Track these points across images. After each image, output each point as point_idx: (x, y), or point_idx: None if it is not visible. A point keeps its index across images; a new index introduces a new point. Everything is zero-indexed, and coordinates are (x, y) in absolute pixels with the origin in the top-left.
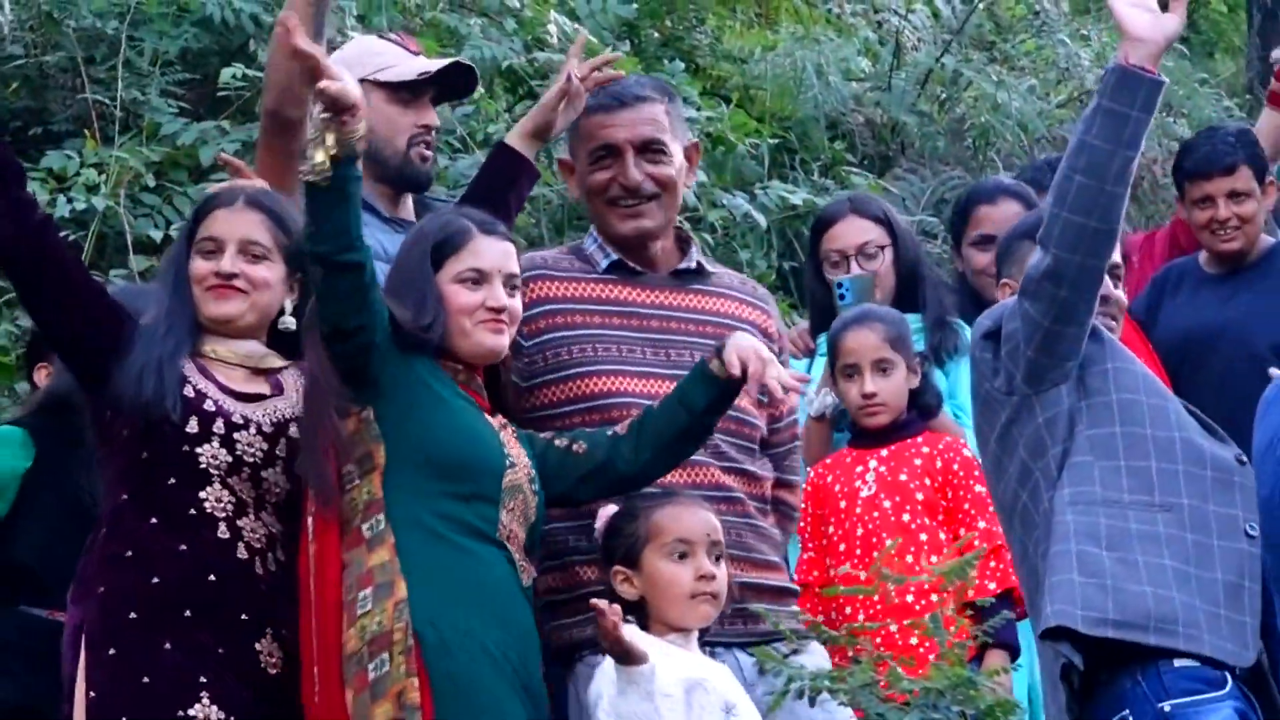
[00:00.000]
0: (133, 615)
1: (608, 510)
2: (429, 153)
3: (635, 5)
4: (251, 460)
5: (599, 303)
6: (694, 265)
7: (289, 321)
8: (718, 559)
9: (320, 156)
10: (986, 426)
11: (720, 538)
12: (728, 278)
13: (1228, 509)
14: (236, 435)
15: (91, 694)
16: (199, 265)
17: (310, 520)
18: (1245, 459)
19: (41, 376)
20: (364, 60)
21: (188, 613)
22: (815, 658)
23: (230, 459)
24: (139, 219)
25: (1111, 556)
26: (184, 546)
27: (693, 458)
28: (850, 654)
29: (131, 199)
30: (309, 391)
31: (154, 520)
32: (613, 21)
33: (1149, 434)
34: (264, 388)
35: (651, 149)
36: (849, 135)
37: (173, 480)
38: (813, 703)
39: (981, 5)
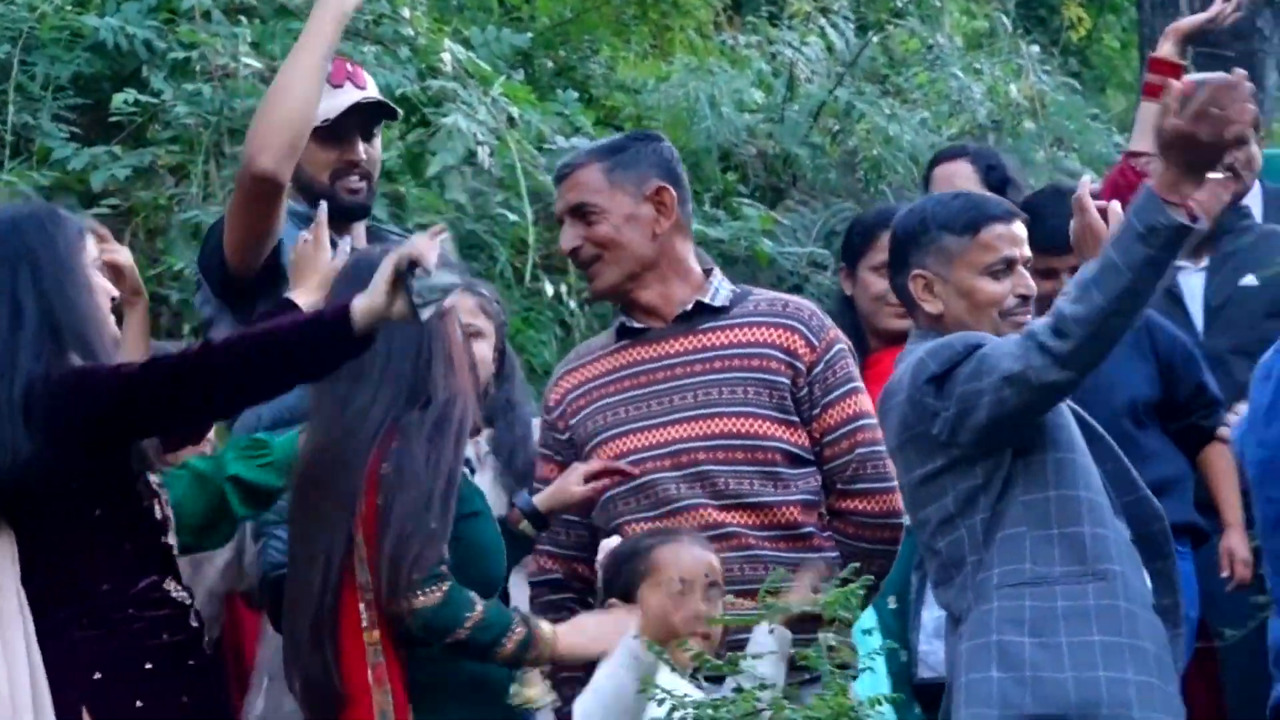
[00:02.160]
0: (139, 704)
1: (610, 543)
2: (357, 184)
3: (530, 35)
4: (170, 529)
5: (611, 374)
6: (690, 307)
7: None
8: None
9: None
10: (914, 460)
11: (719, 579)
12: (753, 304)
13: (1142, 584)
14: (168, 511)
15: None
16: (101, 280)
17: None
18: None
19: None
20: None
21: (185, 699)
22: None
23: (177, 543)
24: None
25: (1034, 643)
26: (166, 636)
27: (685, 501)
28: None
29: None
30: None
31: (131, 611)
32: (507, 51)
33: (1082, 496)
34: None
35: (583, 212)
36: (741, 166)
37: (154, 576)
38: None
39: (875, 39)
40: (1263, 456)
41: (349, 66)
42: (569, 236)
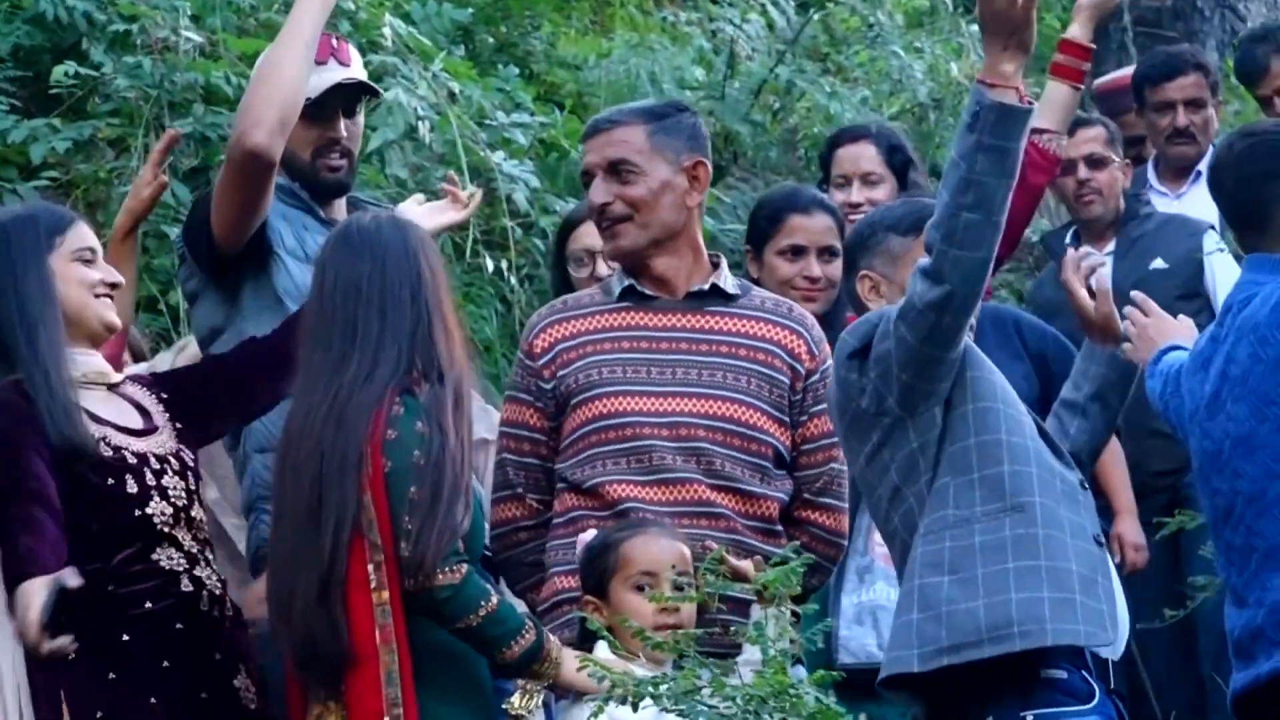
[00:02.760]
0: (112, 676)
1: (586, 536)
2: (338, 161)
3: (470, 10)
4: (181, 504)
5: (608, 331)
6: (707, 287)
7: None
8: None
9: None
10: (856, 444)
11: (689, 568)
12: (759, 299)
13: (1076, 517)
14: (165, 481)
15: None
16: (83, 272)
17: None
18: (1087, 485)
19: None
20: None
21: (166, 663)
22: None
23: (171, 510)
24: None
25: (951, 580)
26: (149, 604)
27: (677, 473)
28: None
29: None
30: None
31: (112, 587)
32: (447, 26)
33: (1004, 439)
34: (133, 415)
35: (619, 169)
36: None
37: (131, 549)
38: (635, 708)
39: (816, 16)
40: (1208, 448)
41: (334, 43)
42: (601, 191)
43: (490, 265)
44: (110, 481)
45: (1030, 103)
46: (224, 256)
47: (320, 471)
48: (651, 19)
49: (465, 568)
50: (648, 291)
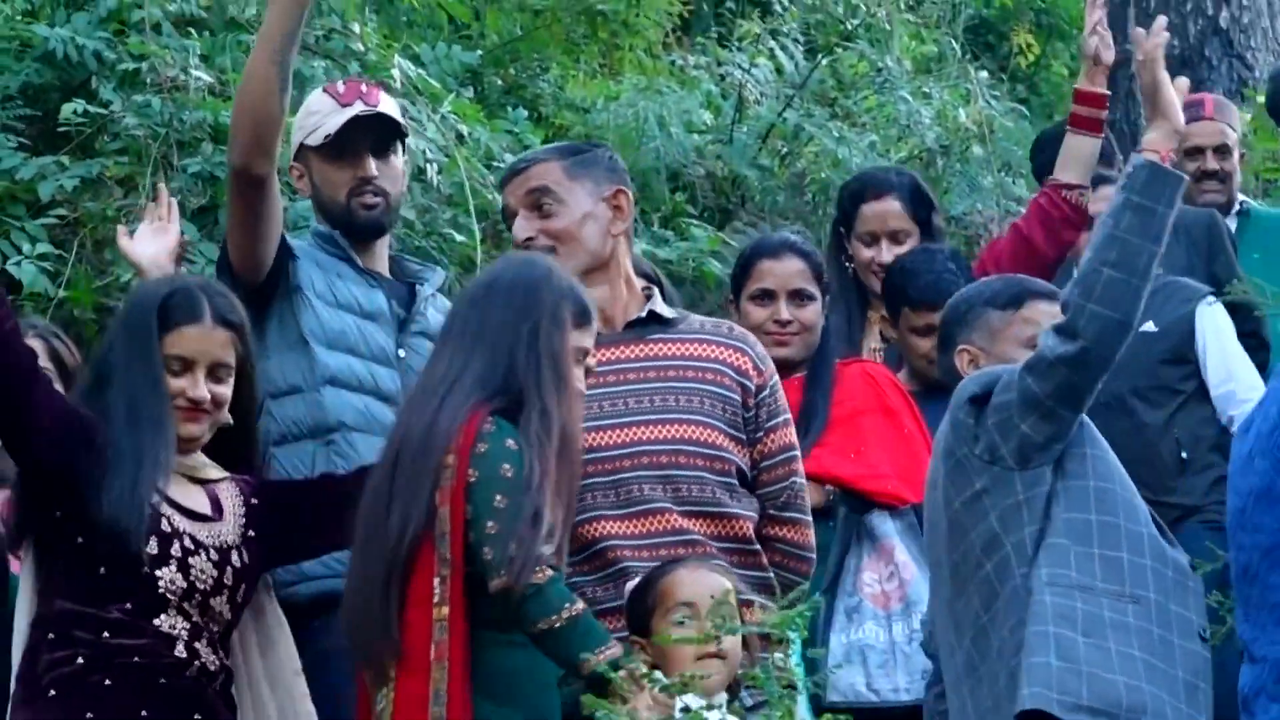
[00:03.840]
0: (89, 716)
1: (630, 585)
2: (373, 200)
3: (479, 53)
4: (202, 588)
5: None
6: (644, 314)
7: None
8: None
9: None
10: (952, 489)
11: (733, 600)
12: (698, 323)
13: (1185, 610)
14: (191, 560)
15: None
16: (169, 383)
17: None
18: (1194, 564)
19: None
20: (301, 124)
21: (144, 713)
22: None
23: (185, 584)
24: None
25: (1087, 642)
26: (137, 659)
27: (653, 503)
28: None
29: None
30: None
31: (106, 635)
32: (456, 68)
33: (1122, 525)
34: (204, 503)
35: (540, 204)
36: (690, 187)
37: (129, 605)
38: None
39: (824, 62)
40: (1237, 505)
41: (363, 88)
42: (523, 227)
43: None
44: (134, 543)
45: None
46: (246, 288)
47: (396, 468)
48: (660, 62)
49: (550, 571)
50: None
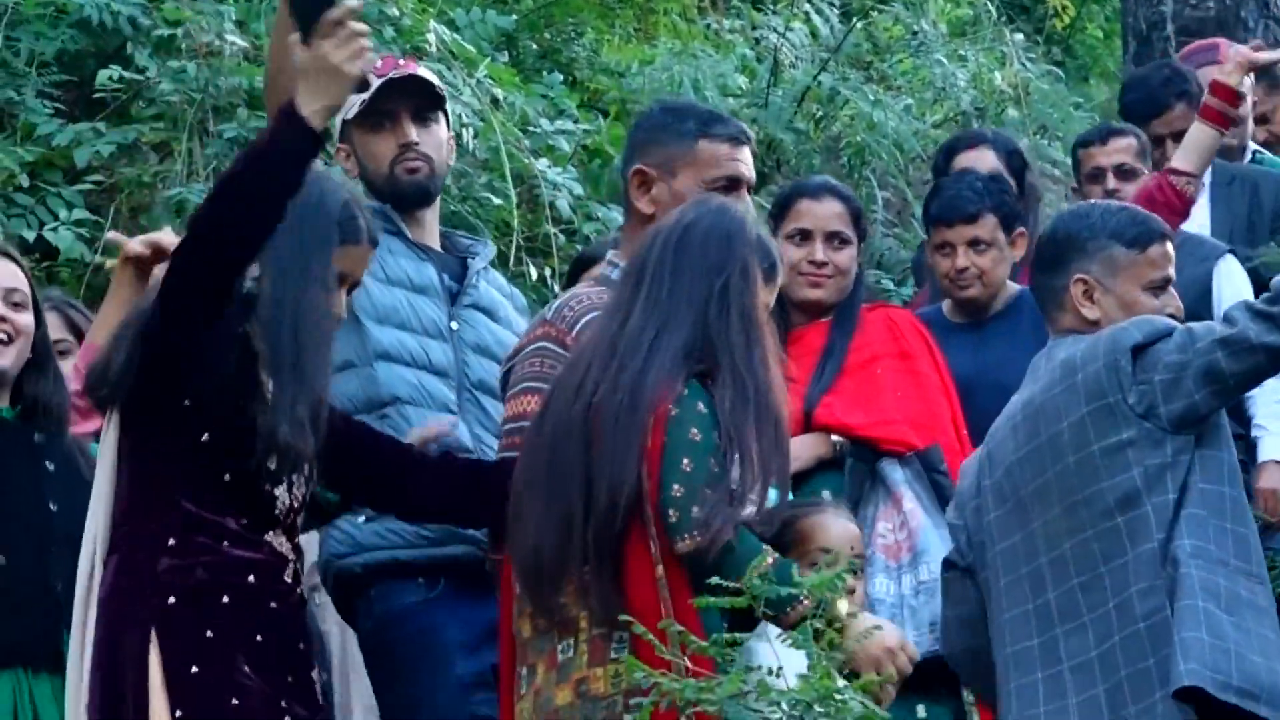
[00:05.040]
0: (209, 634)
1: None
2: (416, 164)
3: (514, 17)
4: (296, 506)
5: None
6: None
7: None
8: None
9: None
10: (1094, 431)
11: (862, 550)
12: None
13: None
14: (294, 478)
15: (178, 713)
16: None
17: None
18: None
19: None
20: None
21: (259, 638)
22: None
23: (289, 503)
24: (12, 219)
25: (1230, 621)
26: (252, 578)
27: None
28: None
29: (5, 199)
30: None
31: (225, 544)
32: (491, 33)
33: (1245, 501)
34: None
35: (748, 190)
36: None
37: (245, 520)
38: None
39: (860, 25)
40: None
41: (400, 60)
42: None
43: (534, 272)
44: (261, 457)
45: None
46: None
47: (594, 427)
48: (695, 26)
49: (737, 527)
50: None
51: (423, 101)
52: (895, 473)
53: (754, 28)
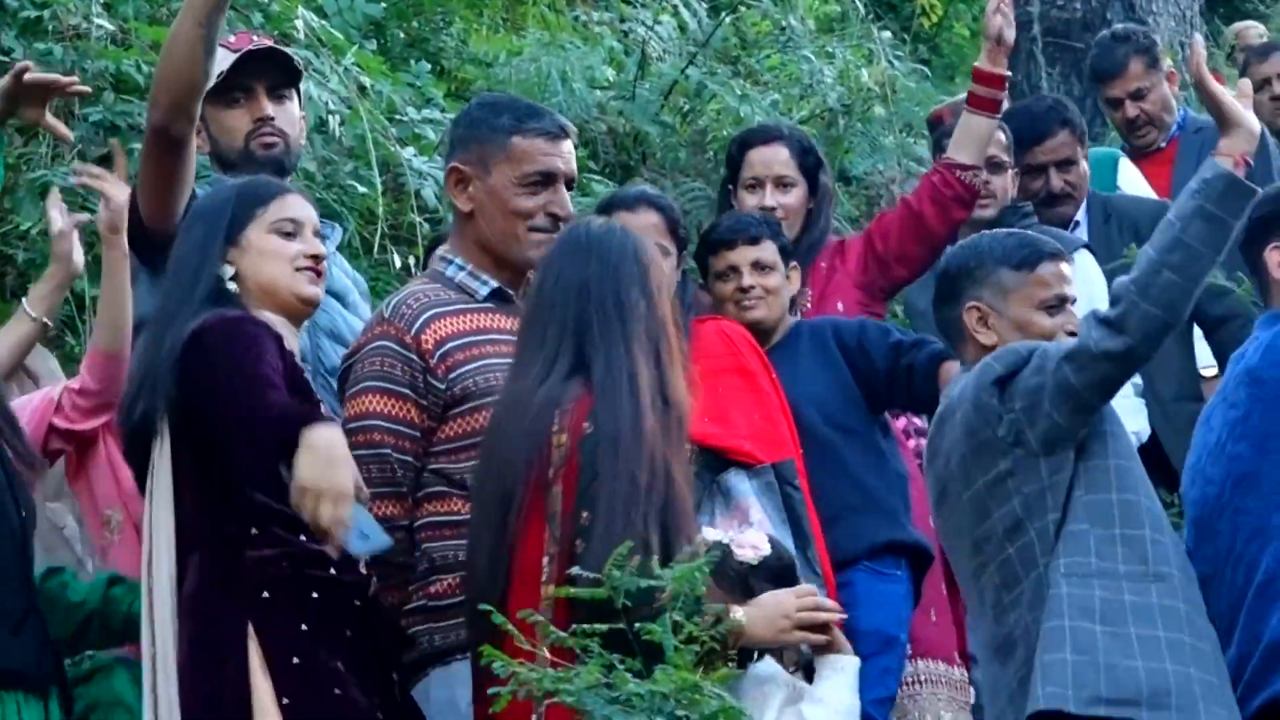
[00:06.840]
0: (304, 627)
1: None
2: (272, 139)
3: (383, 5)
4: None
5: (487, 333)
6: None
7: None
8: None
9: None
10: (976, 468)
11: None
12: None
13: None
14: None
15: (285, 700)
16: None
17: None
18: None
19: None
20: None
21: (348, 633)
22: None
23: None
24: None
25: (1105, 631)
26: (333, 570)
27: None
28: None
29: None
30: None
31: (303, 537)
32: (360, 20)
33: (1143, 502)
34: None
35: (568, 184)
36: (592, 143)
37: None
38: (540, 701)
39: (728, 20)
40: (1211, 493)
41: (254, 36)
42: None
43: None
44: None
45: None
46: (155, 237)
47: (509, 457)
48: (563, 18)
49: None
50: (514, 294)
51: (278, 77)
52: (742, 484)
53: (622, 20)
